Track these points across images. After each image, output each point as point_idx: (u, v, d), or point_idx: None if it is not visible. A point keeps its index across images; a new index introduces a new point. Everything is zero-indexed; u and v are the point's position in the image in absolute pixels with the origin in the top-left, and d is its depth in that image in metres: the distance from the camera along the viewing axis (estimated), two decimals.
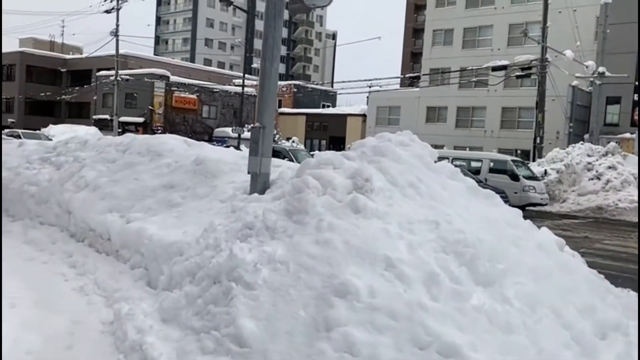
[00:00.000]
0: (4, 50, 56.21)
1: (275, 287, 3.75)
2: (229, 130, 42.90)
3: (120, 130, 37.38)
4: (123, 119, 42.51)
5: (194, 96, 47.69)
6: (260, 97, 5.89)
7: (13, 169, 9.31)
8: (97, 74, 47.82)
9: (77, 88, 50.47)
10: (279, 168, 6.36)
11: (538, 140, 24.94)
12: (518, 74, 25.87)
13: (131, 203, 6.59)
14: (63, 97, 52.31)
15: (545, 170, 19.93)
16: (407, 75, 42.49)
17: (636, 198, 17.41)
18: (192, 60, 76.19)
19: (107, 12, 37.99)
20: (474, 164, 18.32)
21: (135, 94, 45.71)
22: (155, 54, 73.18)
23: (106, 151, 8.12)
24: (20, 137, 27.01)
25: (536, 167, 20.43)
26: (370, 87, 43.26)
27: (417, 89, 42.32)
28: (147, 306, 4.30)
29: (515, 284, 4.06)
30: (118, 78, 40.79)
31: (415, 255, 3.95)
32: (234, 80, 53.11)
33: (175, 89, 46.72)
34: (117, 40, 40.42)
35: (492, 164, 18.49)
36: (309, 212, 4.26)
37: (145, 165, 7.38)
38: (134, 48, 51.64)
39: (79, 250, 6.64)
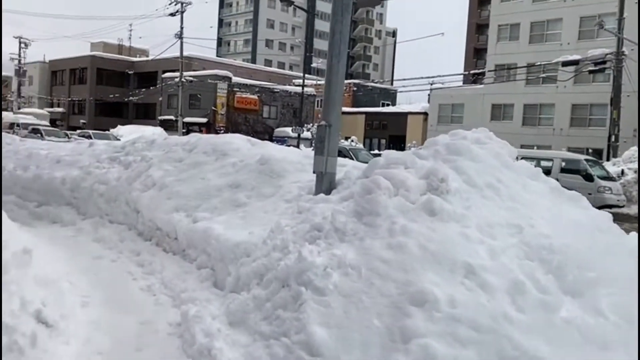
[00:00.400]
0: (77, 54, 58.91)
1: (347, 293, 3.56)
2: (288, 130, 43.18)
3: (184, 130, 38.30)
4: (187, 119, 43.54)
5: (255, 97, 48.32)
6: (326, 94, 5.72)
7: (84, 168, 9.58)
8: (163, 75, 49.21)
9: (143, 90, 52.14)
10: (344, 167, 6.18)
11: (613, 139, 23.60)
12: (591, 68, 24.57)
13: (197, 202, 6.58)
14: (130, 98, 54.17)
15: (622, 170, 18.80)
16: (471, 72, 41.34)
17: None
18: (253, 61, 77.34)
19: (172, 15, 39.04)
20: (544, 164, 17.46)
21: (199, 95, 46.77)
22: (217, 56, 74.74)
23: (173, 150, 8.19)
24: (91, 138, 28.16)
25: (611, 167, 19.32)
26: (431, 84, 42.46)
27: (482, 85, 41.07)
28: (214, 308, 4.20)
29: (609, 295, 3.69)
30: (182, 79, 41.83)
31: (497, 262, 3.66)
32: (293, 80, 53.45)
33: (237, 89, 47.47)
34: (182, 43, 41.47)
35: (563, 164, 17.59)
36: (381, 214, 4.04)
37: (211, 164, 7.38)
38: (198, 50, 52.85)
39: (146, 249, 6.69)
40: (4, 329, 3.40)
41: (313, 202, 4.95)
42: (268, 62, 77.49)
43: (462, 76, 46.59)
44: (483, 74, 41.47)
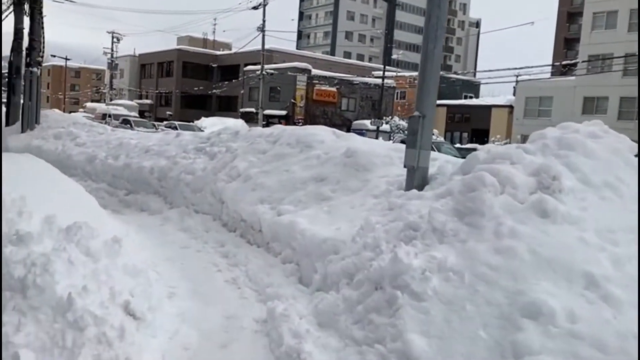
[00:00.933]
0: (165, 47, 61.20)
1: (448, 299, 3.25)
2: (367, 122, 42.71)
3: (264, 123, 38.85)
4: (267, 112, 44.13)
5: (333, 89, 48.20)
6: (420, 82, 5.38)
7: (171, 158, 9.75)
8: (245, 68, 50.14)
9: (226, 83, 53.40)
10: (436, 162, 5.81)
11: None
12: None
13: (281, 195, 6.44)
14: (214, 91, 55.66)
15: None
16: (562, 63, 39.08)
17: None
18: (333, 53, 77.34)
19: (255, 8, 39.59)
20: None
21: (278, 88, 47.26)
22: (297, 48, 75.37)
23: (257, 142, 8.12)
24: (176, 129, 29.12)
25: None
26: (517, 76, 40.62)
27: (573, 77, 38.78)
28: (301, 307, 4.01)
29: None
30: (263, 72, 42.40)
31: (623, 273, 3.22)
32: (373, 72, 52.88)
33: (317, 82, 47.54)
34: (263, 36, 42.03)
35: None
36: (485, 214, 3.68)
37: (295, 156, 7.23)
38: (279, 43, 53.48)
39: (231, 240, 6.64)
40: (93, 319, 3.36)
41: (405, 199, 4.64)
42: (347, 54, 77.22)
43: (550, 68, 44.26)
44: (574, 65, 39.15)
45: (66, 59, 67.30)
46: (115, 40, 62.97)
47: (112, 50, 62.51)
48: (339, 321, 3.59)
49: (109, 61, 64.81)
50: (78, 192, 6.46)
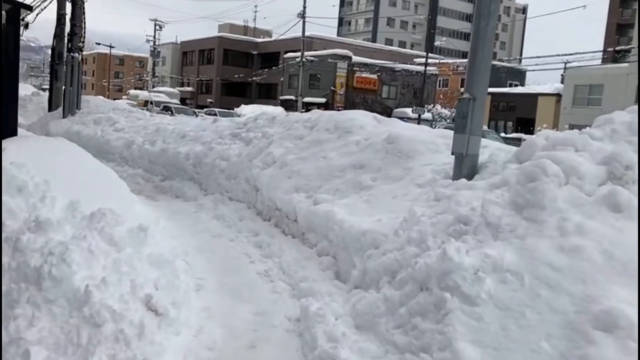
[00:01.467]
0: (206, 35, 61.44)
1: (505, 304, 2.84)
2: (408, 110, 41.88)
3: (303, 110, 38.53)
4: (307, 99, 43.81)
5: (374, 76, 47.46)
6: (471, 62, 4.91)
7: (207, 144, 9.52)
8: (285, 56, 49.89)
9: (266, 70, 53.31)
10: (486, 149, 5.34)
11: None
12: None
13: (318, 183, 6.09)
14: (254, 78, 55.66)
15: None
16: (615, 49, 37.31)
17: None
18: (374, 40, 76.26)
19: None
20: None
21: (318, 75, 46.83)
22: (338, 35, 74.64)
23: (294, 127, 7.78)
24: (216, 116, 29.15)
25: None
26: (566, 63, 39.06)
27: (626, 64, 36.97)
28: (337, 306, 3.66)
29: None
30: (303, 59, 42.03)
31: None
32: (414, 60, 51.83)
33: (357, 69, 46.90)
34: (304, 22, 41.61)
35: None
36: (547, 207, 3.23)
37: (333, 142, 6.86)
38: (319, 30, 53.04)
39: (265, 229, 6.34)
40: (111, 315, 3.10)
41: (454, 189, 4.23)
42: (389, 41, 75.99)
43: (600, 55, 42.40)
44: (628, 51, 37.33)
45: (110, 46, 68.45)
46: (157, 27, 63.60)
47: (155, 37, 63.18)
48: (379, 324, 3.22)
49: (151, 49, 65.52)
50: (109, 178, 6.27)
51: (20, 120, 23.18)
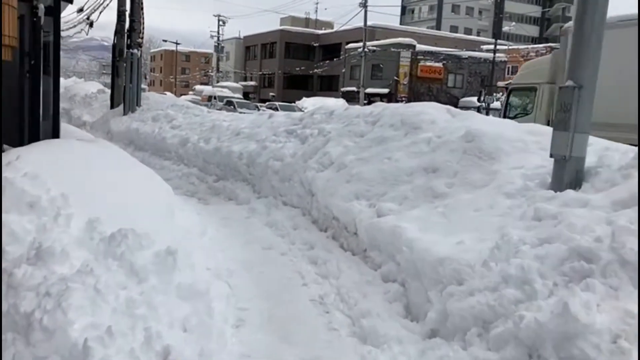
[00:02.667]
0: (269, 28, 61.38)
1: None
2: (475, 99, 40.00)
3: (365, 101, 37.57)
4: (369, 90, 42.77)
5: (439, 65, 45.70)
6: (576, 43, 3.88)
7: (261, 142, 8.83)
8: (346, 46, 48.96)
9: (327, 62, 52.59)
10: (590, 147, 4.28)
11: None
12: None
13: (382, 189, 5.22)
14: (315, 71, 55.07)
15: None
16: None
17: None
18: (438, 27, 73.87)
19: None
20: None
21: (381, 65, 45.63)
22: (401, 24, 72.79)
23: (354, 123, 6.92)
24: (277, 109, 28.69)
25: None
26: None
27: None
28: None
29: None
30: (365, 49, 40.98)
31: None
32: (482, 46, 49.54)
33: (421, 57, 45.33)
34: (366, 11, 40.59)
35: None
36: None
37: (399, 140, 5.95)
38: (381, 19, 51.66)
39: (321, 242, 5.54)
40: None
41: (560, 204, 3.25)
42: (454, 29, 73.40)
43: None
44: None
45: (177, 43, 69.86)
46: (221, 23, 64.43)
47: (218, 33, 64.01)
48: None
49: (216, 44, 66.52)
50: (149, 184, 5.65)
51: (85, 118, 23.49)
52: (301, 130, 8.05)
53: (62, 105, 32.69)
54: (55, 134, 7.08)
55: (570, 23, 7.80)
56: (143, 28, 17.85)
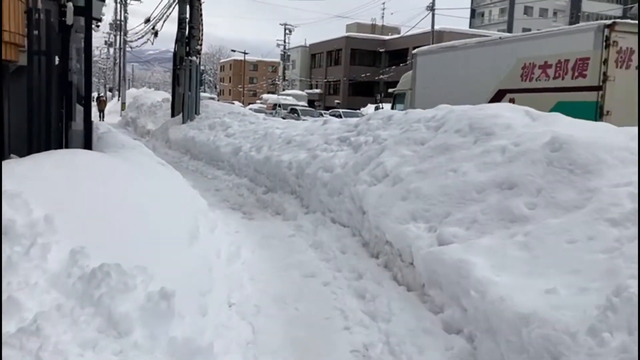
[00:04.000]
0: (334, 36, 60.97)
1: None
2: None
3: None
4: None
5: None
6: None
7: (311, 151, 8.03)
8: (413, 51, 47.63)
9: (393, 67, 51.47)
10: None
11: None
12: None
13: (445, 209, 4.27)
14: (381, 77, 54.06)
15: None
16: None
17: None
18: (509, 30, 70.87)
19: None
20: None
21: None
22: (470, 28, 70.47)
23: (413, 129, 5.98)
24: (341, 117, 27.93)
25: None
26: None
27: None
28: None
29: None
30: None
31: None
32: None
33: None
34: (433, 15, 39.33)
35: None
36: None
37: (466, 149, 4.97)
38: (450, 22, 49.95)
39: (371, 271, 4.64)
40: None
41: None
42: (526, 31, 70.19)
43: None
44: None
45: (244, 53, 70.90)
46: (287, 32, 64.85)
47: (285, 41, 64.41)
48: None
49: (282, 53, 66.97)
50: (176, 200, 4.96)
51: (149, 126, 23.50)
52: (355, 138, 7.18)
53: (130, 114, 33.30)
54: (87, 143, 6.55)
55: (420, 49, 16.81)
56: (202, 35, 17.56)
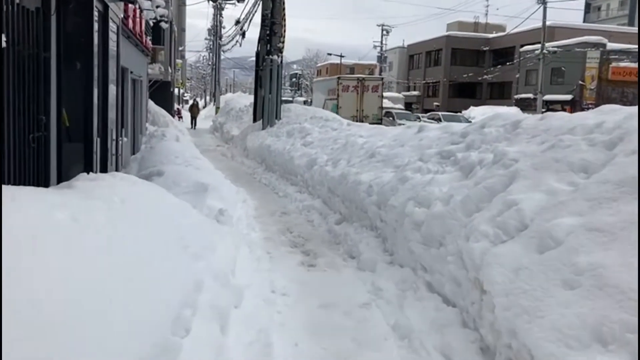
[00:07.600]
0: (433, 35, 57.91)
1: None
2: None
3: (544, 110, 32.50)
4: (547, 97, 37.41)
5: (635, 65, 38.40)
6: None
7: (399, 169, 5.84)
8: (521, 49, 43.76)
9: (498, 67, 47.68)
10: None
11: None
12: None
13: None
14: (484, 77, 50.35)
15: None
16: None
17: None
18: (631, 23, 63.88)
19: None
20: None
21: (562, 68, 39.73)
22: (584, 23, 64.31)
23: (565, 144, 3.62)
24: (440, 120, 25.32)
25: None
26: None
27: None
28: None
29: None
30: (544, 51, 35.72)
31: None
32: None
33: (614, 57, 38.52)
34: (544, 9, 35.43)
35: None
36: None
37: None
38: (561, 17, 45.32)
39: None
40: None
41: None
42: None
43: None
44: None
45: (341, 56, 69.76)
46: (384, 33, 62.71)
47: (382, 43, 62.33)
48: None
49: (379, 54, 64.99)
50: (196, 263, 3.03)
51: (234, 132, 21.99)
52: (463, 154, 4.91)
53: (220, 119, 32.48)
54: (102, 166, 4.81)
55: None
56: (284, 32, 15.79)
